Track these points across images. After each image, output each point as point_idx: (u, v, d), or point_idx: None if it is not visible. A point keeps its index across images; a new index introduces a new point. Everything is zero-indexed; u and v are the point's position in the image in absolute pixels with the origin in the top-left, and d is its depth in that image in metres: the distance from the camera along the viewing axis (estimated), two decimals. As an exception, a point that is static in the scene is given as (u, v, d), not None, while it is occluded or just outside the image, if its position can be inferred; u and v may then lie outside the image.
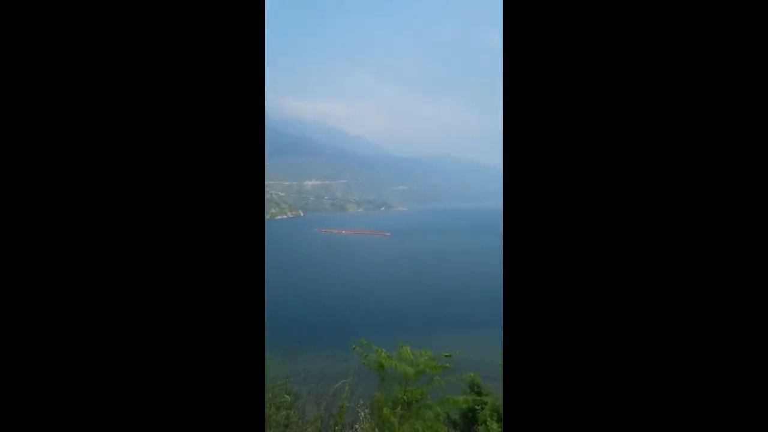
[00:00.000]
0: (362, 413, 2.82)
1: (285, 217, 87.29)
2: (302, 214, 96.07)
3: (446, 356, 2.57)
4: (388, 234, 67.91)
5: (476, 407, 4.66)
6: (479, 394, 5.14)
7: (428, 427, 2.61)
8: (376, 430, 2.52)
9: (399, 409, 2.40)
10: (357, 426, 2.80)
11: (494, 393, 5.23)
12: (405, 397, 2.36)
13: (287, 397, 2.60)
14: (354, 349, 2.48)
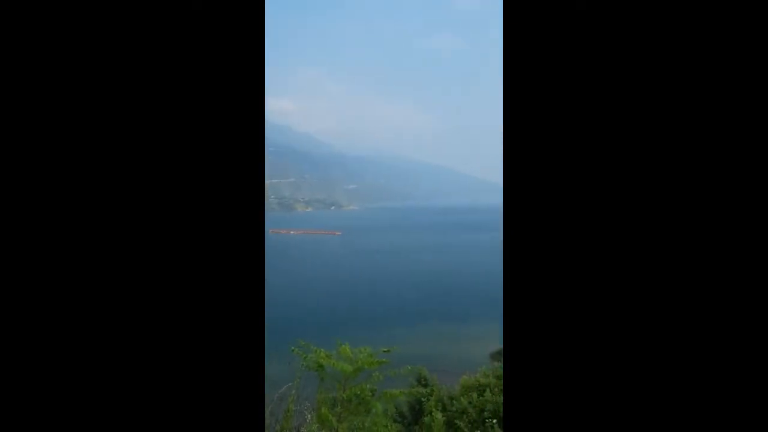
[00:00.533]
0: (309, 416, 2.81)
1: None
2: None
3: (385, 351, 2.64)
4: (339, 233, 67.40)
5: (422, 399, 4.83)
6: (425, 386, 5.33)
7: (374, 423, 2.67)
8: (323, 431, 2.53)
9: (338, 407, 2.43)
10: (303, 429, 2.78)
11: (440, 384, 5.46)
12: (344, 395, 2.40)
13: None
14: (293, 351, 2.46)
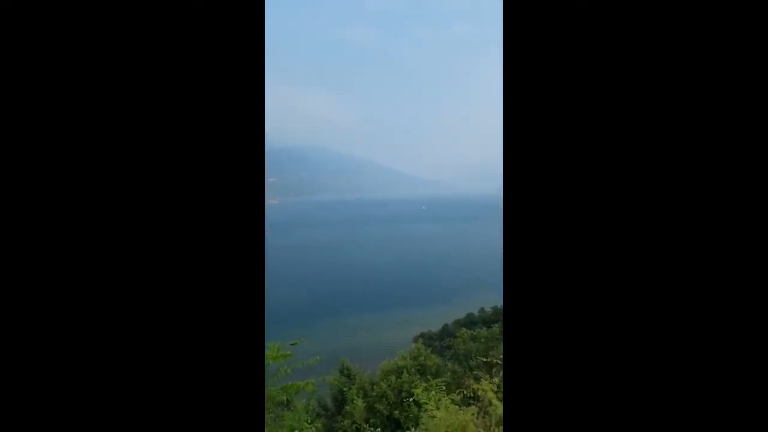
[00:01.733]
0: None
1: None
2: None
3: (292, 344, 2.63)
4: (259, 230, 63.84)
5: (344, 389, 4.90)
6: (348, 376, 5.42)
7: (285, 418, 2.63)
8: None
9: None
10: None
11: (363, 371, 5.59)
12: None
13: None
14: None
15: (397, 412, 4.11)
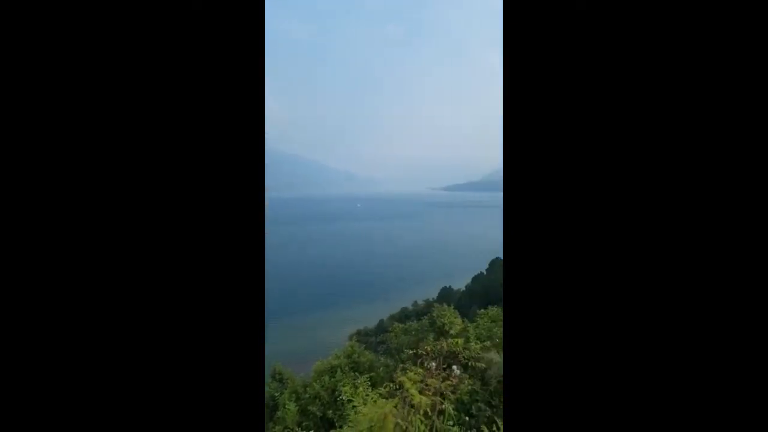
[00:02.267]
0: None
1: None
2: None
3: None
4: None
5: (276, 394, 4.76)
6: (281, 380, 5.27)
7: None
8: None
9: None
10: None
11: (297, 375, 5.47)
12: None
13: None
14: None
15: (331, 411, 4.11)
